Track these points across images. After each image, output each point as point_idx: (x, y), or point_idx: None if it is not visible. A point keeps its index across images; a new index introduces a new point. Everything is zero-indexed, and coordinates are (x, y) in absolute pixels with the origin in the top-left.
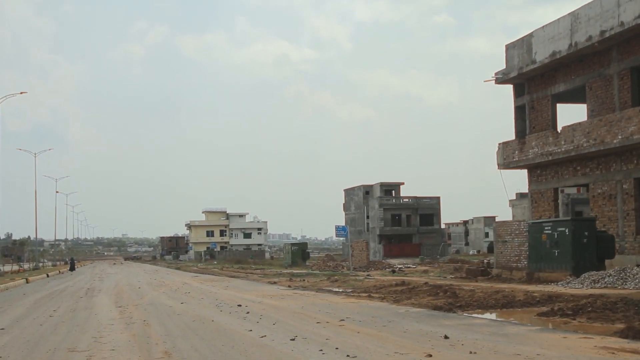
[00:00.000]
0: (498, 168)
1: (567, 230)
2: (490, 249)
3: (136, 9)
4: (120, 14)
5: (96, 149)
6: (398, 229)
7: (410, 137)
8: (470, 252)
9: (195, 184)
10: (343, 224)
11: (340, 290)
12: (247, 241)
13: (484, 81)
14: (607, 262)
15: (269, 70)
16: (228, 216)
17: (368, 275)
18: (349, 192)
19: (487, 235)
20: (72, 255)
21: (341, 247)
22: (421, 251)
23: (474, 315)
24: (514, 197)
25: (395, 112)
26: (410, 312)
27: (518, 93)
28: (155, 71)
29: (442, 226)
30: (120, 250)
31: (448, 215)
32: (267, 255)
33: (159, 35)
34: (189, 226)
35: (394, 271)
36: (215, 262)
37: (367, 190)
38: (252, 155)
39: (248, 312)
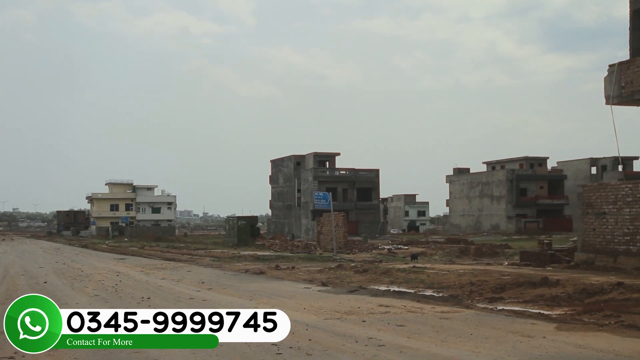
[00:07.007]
0: (606, 103)
1: None
2: (411, 228)
3: None
4: None
5: None
6: (334, 203)
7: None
8: (392, 232)
9: (93, 158)
10: (270, 198)
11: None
12: (156, 216)
13: None
14: None
15: (169, 43)
16: (135, 189)
17: (377, 260)
18: (276, 163)
19: (407, 214)
20: None
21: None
22: (359, 229)
23: None
24: (451, 173)
25: (298, 90)
26: None
27: None
28: (48, 38)
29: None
30: (11, 225)
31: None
32: (177, 232)
33: (49, 1)
34: (91, 199)
35: (415, 257)
36: (126, 239)
37: (299, 161)
38: (151, 129)
39: None
